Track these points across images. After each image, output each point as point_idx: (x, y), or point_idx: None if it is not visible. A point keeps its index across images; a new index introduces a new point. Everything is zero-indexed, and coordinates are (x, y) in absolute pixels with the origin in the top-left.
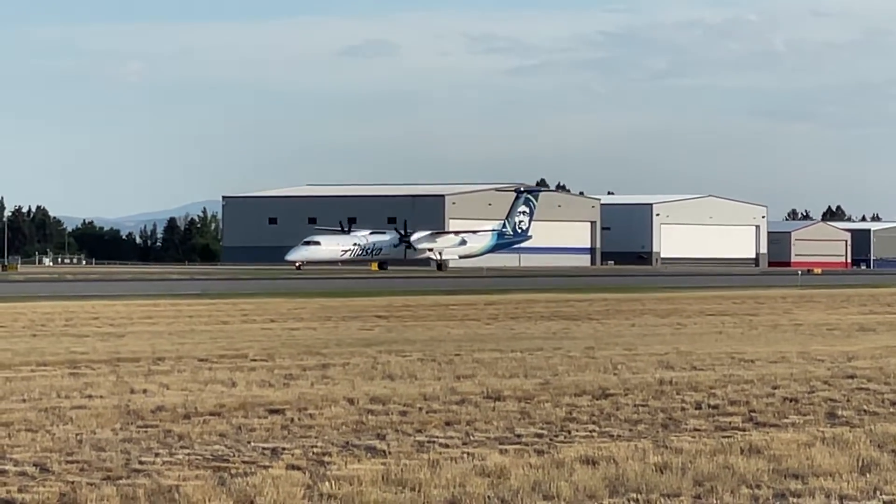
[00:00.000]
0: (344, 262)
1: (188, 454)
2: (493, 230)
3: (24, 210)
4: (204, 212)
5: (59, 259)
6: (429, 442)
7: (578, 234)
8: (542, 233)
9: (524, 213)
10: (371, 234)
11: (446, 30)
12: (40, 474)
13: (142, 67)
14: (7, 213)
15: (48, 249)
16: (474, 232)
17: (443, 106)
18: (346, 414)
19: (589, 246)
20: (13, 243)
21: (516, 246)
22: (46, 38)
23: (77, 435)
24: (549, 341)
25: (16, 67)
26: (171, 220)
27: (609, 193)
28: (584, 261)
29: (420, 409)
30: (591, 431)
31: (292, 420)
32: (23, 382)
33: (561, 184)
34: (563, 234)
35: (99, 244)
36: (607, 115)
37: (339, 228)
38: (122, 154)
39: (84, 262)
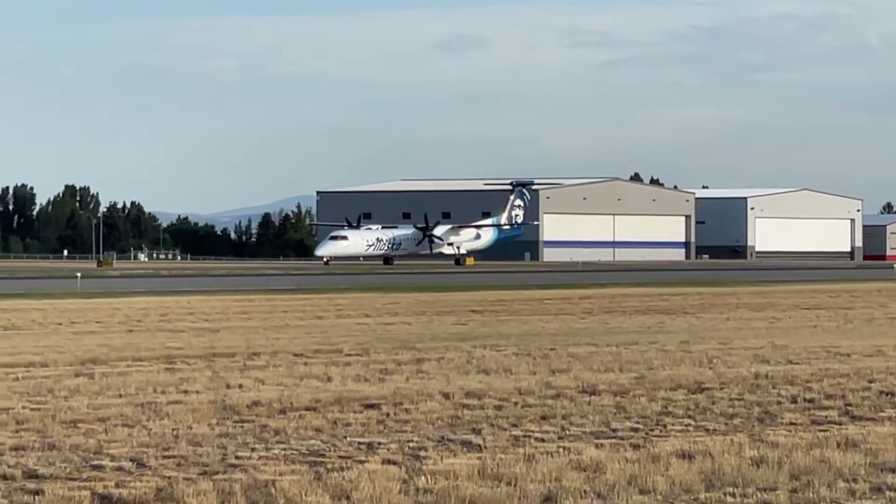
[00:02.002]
0: (367, 256)
1: (284, 449)
2: (494, 225)
3: (120, 206)
4: (298, 207)
5: (154, 254)
6: (524, 436)
7: (673, 228)
8: (637, 227)
9: (519, 206)
10: (383, 228)
11: (536, 24)
12: (137, 469)
13: (236, 63)
14: (102, 208)
15: (143, 245)
16: (485, 226)
17: (534, 100)
18: (442, 408)
19: (683, 240)
20: (108, 239)
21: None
22: (139, 34)
23: (173, 430)
24: (644, 335)
25: (109, 64)
26: (266, 216)
27: (703, 187)
28: (678, 255)
29: (515, 403)
30: (686, 426)
31: (388, 415)
32: (119, 378)
33: (655, 178)
34: (657, 229)
35: (194, 239)
36: (700, 109)
37: (347, 224)
38: (216, 150)
39: (179, 257)
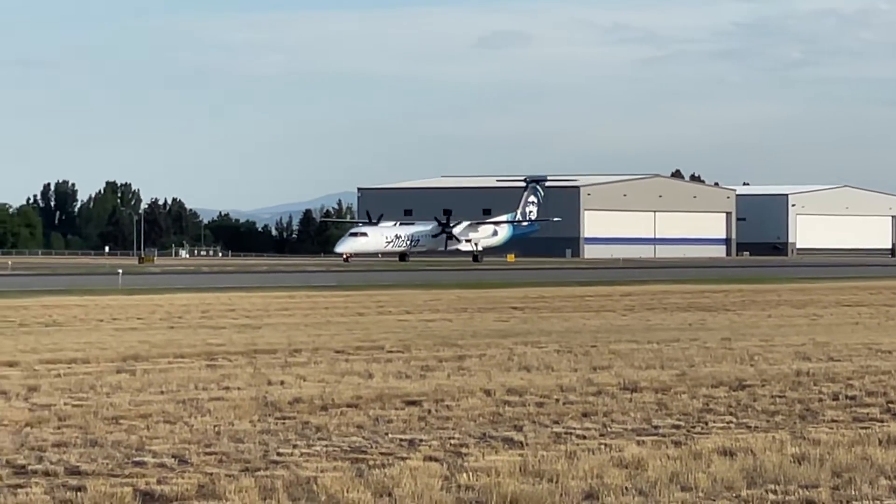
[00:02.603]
0: (385, 253)
1: (326, 446)
2: (509, 221)
3: (161, 202)
4: (339, 204)
5: (196, 251)
6: (566, 433)
7: (714, 225)
8: (678, 224)
9: (533, 202)
10: (401, 224)
11: (579, 20)
12: (179, 466)
13: (278, 59)
14: (144, 205)
15: (184, 241)
16: (502, 222)
17: (576, 96)
18: (483, 405)
19: (724, 237)
20: (150, 235)
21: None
22: (182, 30)
23: (215, 426)
24: (686, 332)
25: (151, 60)
26: (307, 212)
27: (744, 184)
28: (719, 252)
29: (557, 400)
30: (728, 423)
31: (429, 411)
32: (160, 374)
33: (696, 174)
34: (698, 225)
35: (235, 236)
36: (741, 105)
37: (368, 220)
38: (258, 146)
39: (220, 253)
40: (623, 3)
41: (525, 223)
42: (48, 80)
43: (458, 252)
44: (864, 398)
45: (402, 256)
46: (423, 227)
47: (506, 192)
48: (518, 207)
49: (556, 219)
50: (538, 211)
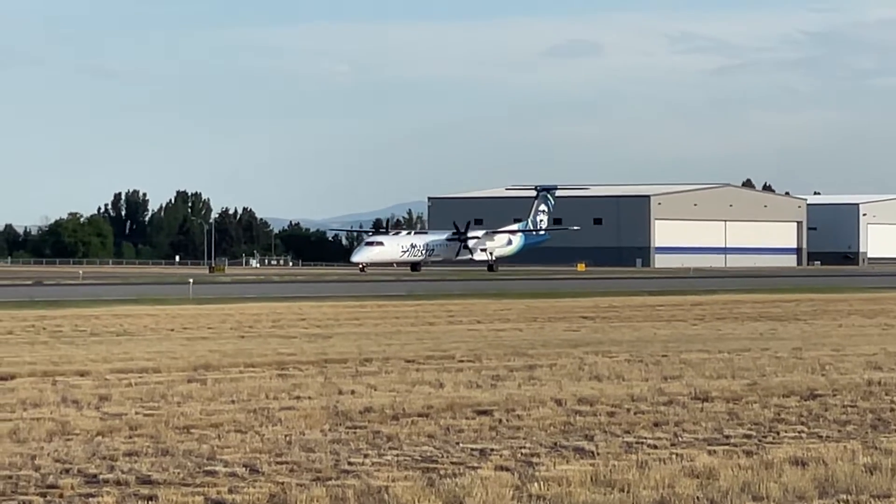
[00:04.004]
0: (400, 262)
1: (397, 455)
2: (523, 230)
3: (231, 212)
4: (409, 213)
5: (266, 260)
6: (637, 443)
7: (784, 235)
8: (748, 233)
9: (543, 211)
10: (416, 234)
11: (649, 30)
12: (250, 475)
13: (349, 68)
14: (214, 214)
15: (255, 251)
16: (516, 231)
17: (646, 106)
18: (554, 415)
19: (795, 246)
20: (220, 245)
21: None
22: (252, 39)
23: (286, 436)
24: (757, 342)
25: (221, 68)
26: (377, 222)
27: (815, 193)
28: (790, 261)
29: (628, 409)
30: (799, 432)
31: (500, 421)
32: (231, 384)
33: (767, 184)
34: (768, 235)
35: (305, 245)
36: (812, 114)
37: (380, 230)
38: (328, 155)
39: (290, 263)
40: (693, 12)
41: (542, 231)
42: (118, 89)
43: (472, 262)
44: None
45: (415, 266)
46: (439, 237)
47: (576, 201)
48: (528, 216)
49: (574, 227)
50: (549, 219)
